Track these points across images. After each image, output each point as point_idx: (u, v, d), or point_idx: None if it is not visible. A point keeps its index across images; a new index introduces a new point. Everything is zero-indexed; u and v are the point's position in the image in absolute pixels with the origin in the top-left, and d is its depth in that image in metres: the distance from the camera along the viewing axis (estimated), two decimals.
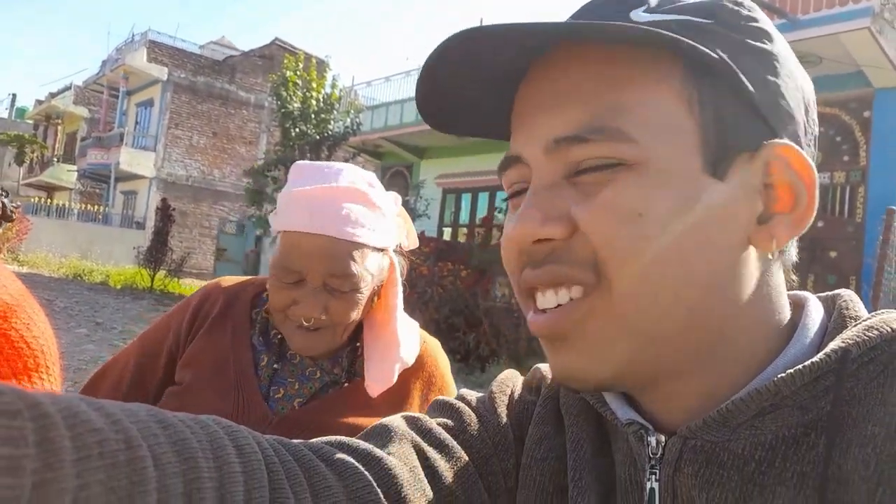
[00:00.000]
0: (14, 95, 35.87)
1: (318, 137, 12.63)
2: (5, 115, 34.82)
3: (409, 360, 1.00)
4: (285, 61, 13.00)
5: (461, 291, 6.63)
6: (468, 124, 0.52)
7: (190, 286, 14.26)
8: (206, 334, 1.07)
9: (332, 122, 12.58)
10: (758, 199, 0.43)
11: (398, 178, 13.90)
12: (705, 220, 0.41)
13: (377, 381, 0.97)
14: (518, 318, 6.49)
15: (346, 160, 13.84)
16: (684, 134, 0.41)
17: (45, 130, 29.54)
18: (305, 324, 0.94)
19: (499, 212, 11.69)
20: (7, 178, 28.42)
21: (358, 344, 1.06)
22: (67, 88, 28.43)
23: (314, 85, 12.48)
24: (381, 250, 0.99)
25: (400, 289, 1.04)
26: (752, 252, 0.43)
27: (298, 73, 12.49)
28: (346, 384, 1.03)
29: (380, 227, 0.96)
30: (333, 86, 12.94)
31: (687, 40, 0.40)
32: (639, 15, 0.43)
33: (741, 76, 0.41)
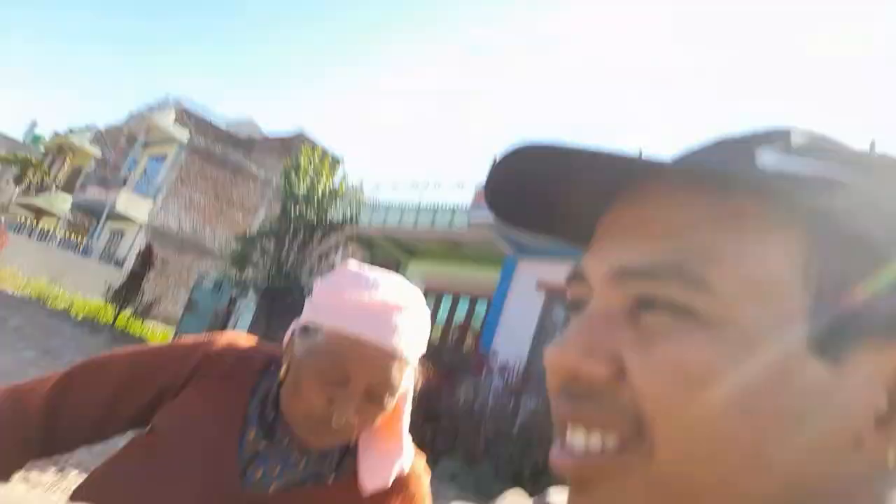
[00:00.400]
0: (34, 122, 36.65)
1: (314, 222, 13.15)
2: (20, 138, 35.34)
3: (406, 468, 0.98)
4: (303, 149, 13.80)
5: (433, 390, 6.85)
6: (555, 228, 0.44)
7: (152, 331, 14.09)
8: (203, 389, 1.01)
9: (332, 210, 13.23)
10: (882, 393, 0.33)
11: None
12: (797, 404, 0.32)
13: (374, 478, 0.96)
14: (478, 421, 6.64)
15: (338, 246, 14.23)
16: (788, 298, 0.33)
17: (53, 160, 29.92)
18: (333, 424, 0.90)
19: (475, 318, 12.00)
20: (1, 193, 28.45)
21: (349, 443, 1.00)
22: (87, 129, 29.34)
23: (324, 175, 13.25)
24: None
25: (411, 396, 1.02)
26: (860, 458, 0.33)
27: (312, 161, 13.28)
28: (329, 481, 0.98)
29: (421, 343, 0.96)
30: (342, 182, 13.73)
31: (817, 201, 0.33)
32: (768, 156, 0.36)
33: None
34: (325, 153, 13.90)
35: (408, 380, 0.94)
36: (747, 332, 0.32)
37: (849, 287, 0.33)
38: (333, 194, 13.32)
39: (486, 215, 10.32)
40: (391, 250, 14.20)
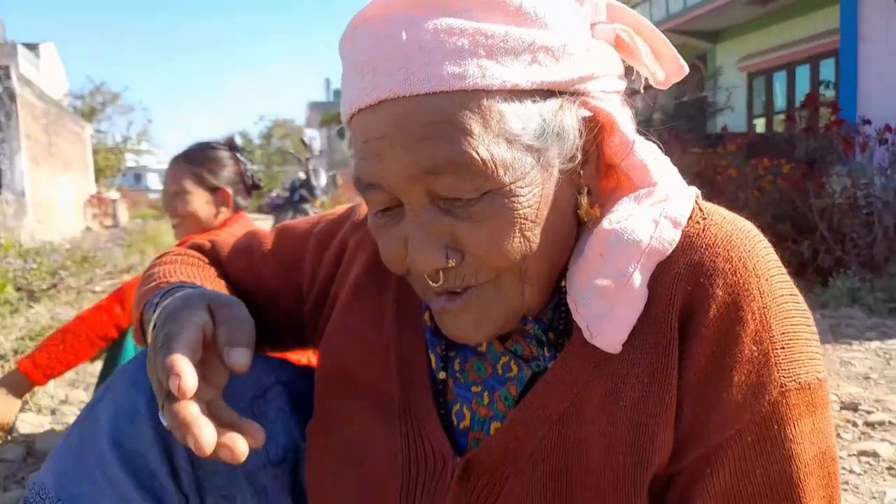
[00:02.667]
0: (328, 80, 41.64)
1: None
2: (325, 98, 40.62)
3: (662, 245, 0.59)
4: None
5: (785, 191, 5.36)
6: None
7: None
8: (351, 301, 0.77)
9: None
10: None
11: (691, 71, 12.30)
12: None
13: (599, 321, 0.59)
14: (869, 215, 5.05)
15: None
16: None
17: None
18: (433, 285, 0.59)
19: (825, 87, 9.50)
20: (336, 153, 33.27)
21: (563, 285, 0.65)
22: None
23: None
24: (547, 95, 0.57)
25: (639, 152, 0.62)
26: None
27: None
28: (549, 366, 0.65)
29: (527, 47, 0.54)
30: None
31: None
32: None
33: None
34: None
35: (533, 131, 0.56)
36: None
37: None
38: None
39: None
40: (690, 45, 12.05)
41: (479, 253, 0.57)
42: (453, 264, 0.57)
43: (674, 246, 0.60)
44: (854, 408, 2.48)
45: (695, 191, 0.66)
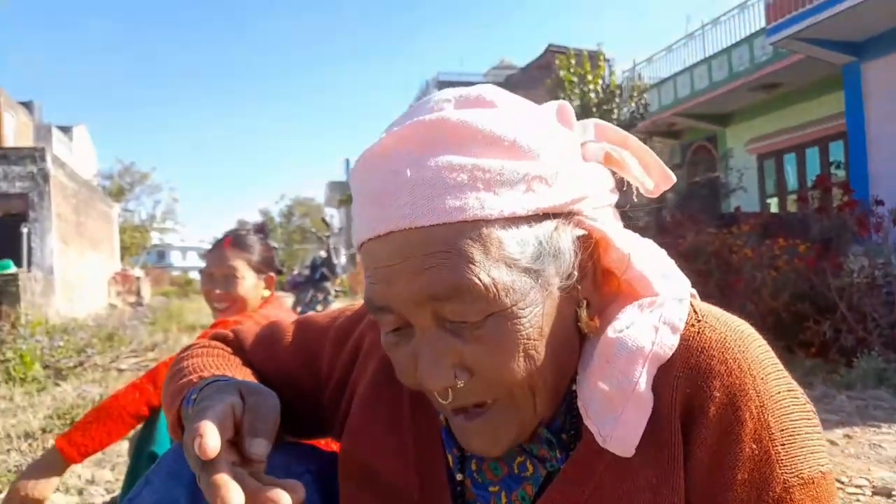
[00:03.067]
0: (347, 160, 42.80)
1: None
2: (343, 177, 41.57)
3: (663, 351, 0.61)
4: (558, 62, 12.74)
5: (802, 271, 5.39)
6: None
7: None
8: (369, 398, 0.78)
9: (615, 110, 11.83)
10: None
11: (701, 153, 12.55)
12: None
13: (610, 425, 0.61)
14: (889, 294, 5.05)
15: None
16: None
17: None
18: (443, 402, 0.61)
19: (835, 167, 9.65)
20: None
21: (573, 388, 0.68)
22: None
23: (590, 77, 11.96)
24: (542, 218, 0.60)
25: (637, 264, 0.64)
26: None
27: (572, 69, 12.12)
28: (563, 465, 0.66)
29: (522, 178, 0.58)
30: (611, 73, 12.26)
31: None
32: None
33: None
34: (579, 53, 12.59)
35: (530, 254, 0.58)
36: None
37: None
38: (610, 91, 11.98)
39: (791, 29, 8.09)
40: (698, 128, 12.38)
41: (487, 372, 0.59)
42: (461, 384, 0.59)
43: (673, 350, 0.62)
44: (888, 493, 2.44)
45: (689, 292, 0.69)
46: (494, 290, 0.56)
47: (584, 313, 0.64)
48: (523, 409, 0.62)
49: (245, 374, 0.83)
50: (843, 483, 2.59)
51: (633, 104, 11.90)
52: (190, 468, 0.76)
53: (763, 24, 9.65)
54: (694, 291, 0.71)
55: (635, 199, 0.73)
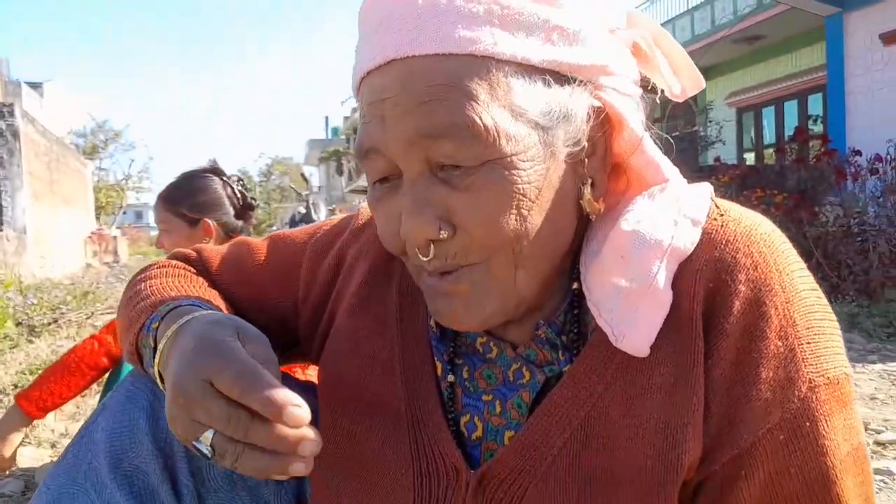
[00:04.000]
0: (327, 118, 42.24)
1: None
2: (323, 135, 41.07)
3: (683, 245, 0.58)
4: None
5: (779, 220, 5.46)
6: None
7: None
8: (352, 314, 0.73)
9: None
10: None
11: (680, 106, 12.52)
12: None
13: (625, 324, 0.57)
14: (864, 242, 5.13)
15: None
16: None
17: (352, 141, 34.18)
18: (423, 260, 0.56)
19: (813, 121, 9.69)
20: (334, 189, 33.53)
21: (576, 287, 0.63)
22: None
23: None
24: (559, 78, 0.55)
25: (648, 149, 0.62)
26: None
27: None
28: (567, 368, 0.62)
29: (542, 23, 0.54)
30: None
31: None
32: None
33: None
34: None
35: (540, 108, 0.54)
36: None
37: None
38: None
39: None
40: None
41: (472, 226, 0.55)
42: (444, 236, 0.55)
43: (695, 244, 0.59)
44: (864, 428, 2.50)
45: (709, 187, 0.65)
46: (495, 133, 0.52)
47: (587, 191, 0.59)
48: (501, 277, 0.57)
49: (211, 297, 0.77)
50: None
51: None
52: (146, 391, 0.72)
53: None
54: (711, 188, 0.67)
55: (658, 101, 0.68)
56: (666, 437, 0.57)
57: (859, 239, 5.19)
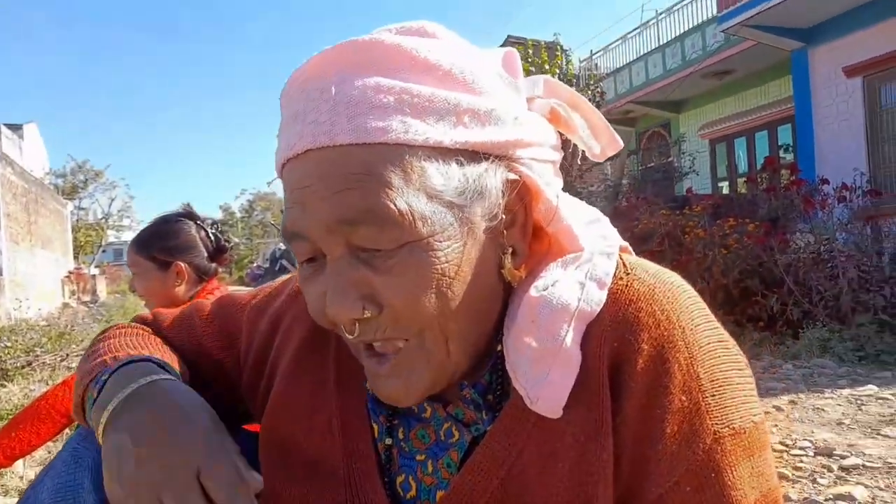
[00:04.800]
0: None
1: None
2: None
3: (590, 307, 0.60)
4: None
5: (751, 248, 5.53)
6: None
7: None
8: (292, 373, 0.75)
9: None
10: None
11: (655, 139, 12.78)
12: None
13: (538, 386, 0.58)
14: (834, 268, 5.23)
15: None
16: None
17: None
18: (350, 338, 0.59)
19: (784, 150, 9.93)
20: None
21: (499, 349, 0.65)
22: None
23: (548, 67, 12.03)
24: (472, 157, 0.57)
25: (565, 216, 0.63)
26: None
27: (530, 59, 12.16)
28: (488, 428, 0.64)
29: (453, 108, 0.56)
30: (568, 63, 12.34)
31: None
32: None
33: None
34: (537, 44, 12.58)
35: (454, 189, 0.56)
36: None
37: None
38: (567, 79, 12.02)
39: (742, 16, 8.27)
40: (653, 115, 12.58)
41: (396, 306, 0.56)
42: (368, 315, 0.56)
43: (601, 306, 0.60)
44: (829, 453, 2.52)
45: (619, 245, 0.67)
46: (410, 217, 0.54)
47: (508, 260, 0.61)
48: (435, 352, 0.59)
49: (164, 354, 0.79)
50: (787, 445, 2.67)
51: (589, 93, 12.00)
52: (92, 451, 0.72)
53: (715, 11, 9.84)
54: (626, 244, 0.70)
55: (579, 163, 0.71)
56: (579, 495, 0.58)
57: (829, 265, 5.29)
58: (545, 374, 0.58)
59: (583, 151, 0.72)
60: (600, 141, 0.70)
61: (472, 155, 0.57)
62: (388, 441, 0.69)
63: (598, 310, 0.60)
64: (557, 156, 0.67)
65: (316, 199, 0.55)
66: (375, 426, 0.70)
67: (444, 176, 0.56)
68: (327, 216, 0.55)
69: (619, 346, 0.59)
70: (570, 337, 0.58)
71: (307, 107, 0.56)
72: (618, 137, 0.71)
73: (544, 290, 0.60)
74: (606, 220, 0.70)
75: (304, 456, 0.72)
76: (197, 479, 0.56)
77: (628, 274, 0.63)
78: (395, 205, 0.53)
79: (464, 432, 0.66)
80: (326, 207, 0.54)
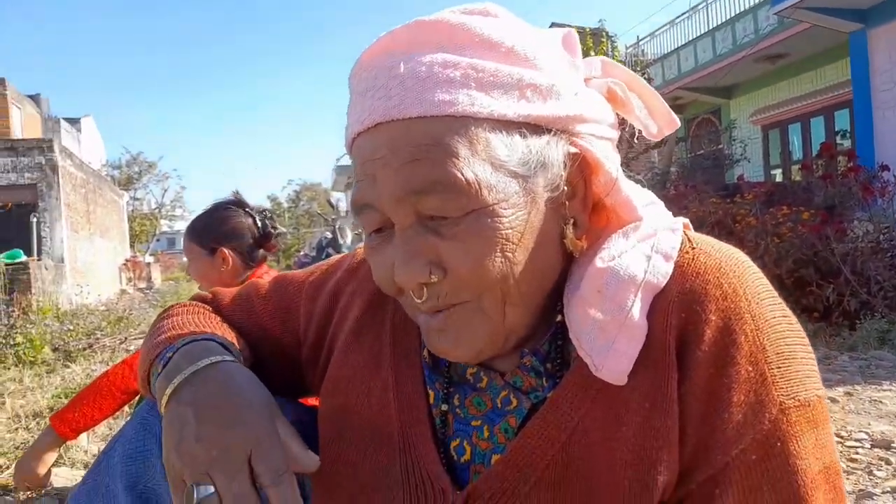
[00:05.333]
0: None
1: None
2: (349, 161, 41.50)
3: (656, 279, 0.61)
4: None
5: (806, 237, 5.36)
6: None
7: None
8: (350, 345, 0.78)
9: None
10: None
11: (704, 126, 12.47)
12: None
13: (603, 354, 0.60)
14: (893, 257, 5.03)
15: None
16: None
17: None
18: (417, 302, 0.60)
19: (841, 137, 9.56)
20: None
21: (559, 319, 0.66)
22: None
23: (593, 54, 11.83)
24: (535, 130, 0.60)
25: (624, 188, 0.65)
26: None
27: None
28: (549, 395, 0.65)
29: (516, 83, 0.58)
30: (614, 49, 12.11)
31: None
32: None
33: None
34: (581, 30, 12.35)
35: (518, 160, 0.59)
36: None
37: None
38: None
39: None
40: (702, 101, 12.27)
41: (461, 270, 0.59)
42: (435, 280, 0.59)
43: (667, 278, 0.62)
44: (886, 446, 2.46)
45: (682, 222, 0.69)
46: (477, 186, 0.56)
47: (570, 230, 0.63)
48: (491, 314, 0.61)
49: (224, 332, 0.83)
50: (842, 437, 2.61)
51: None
52: (160, 421, 0.75)
53: None
54: (687, 221, 0.71)
55: (636, 142, 0.73)
56: (643, 460, 0.60)
57: (889, 255, 5.10)
58: (611, 343, 0.60)
59: (638, 132, 0.73)
60: (657, 121, 0.72)
61: (534, 128, 0.59)
62: (444, 407, 0.71)
63: (665, 282, 0.62)
64: (615, 134, 0.68)
65: (387, 171, 0.57)
66: (431, 393, 0.73)
67: (508, 147, 0.58)
68: (397, 186, 0.57)
69: (686, 316, 0.60)
70: (637, 308, 0.60)
71: (377, 83, 0.58)
72: (675, 116, 0.72)
73: (610, 260, 0.62)
74: (661, 203, 0.71)
75: (361, 423, 0.75)
76: (248, 462, 0.59)
77: (694, 248, 0.65)
78: (463, 174, 0.56)
79: (522, 399, 0.68)
80: (396, 178, 0.57)
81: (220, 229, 2.05)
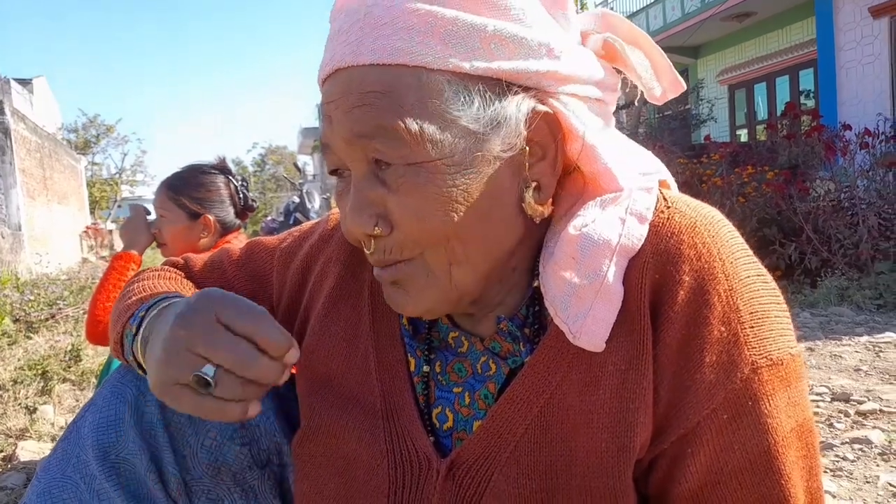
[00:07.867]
0: (318, 105, 41.71)
1: None
2: (316, 123, 40.80)
3: (631, 242, 0.60)
4: None
5: (769, 197, 5.46)
6: None
7: None
8: (327, 312, 0.77)
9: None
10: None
11: None
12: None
13: (580, 321, 0.59)
14: (854, 216, 5.16)
15: None
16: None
17: None
18: (367, 252, 0.61)
19: (805, 96, 9.69)
20: (329, 178, 33.26)
21: (536, 285, 0.65)
22: None
23: None
24: (494, 85, 0.57)
25: (603, 156, 0.62)
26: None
27: None
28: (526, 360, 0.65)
29: (478, 33, 0.55)
30: (583, 6, 12.01)
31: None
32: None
33: None
34: None
35: (473, 115, 0.56)
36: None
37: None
38: None
39: None
40: (671, 62, 12.26)
41: (404, 225, 0.58)
42: (378, 232, 0.59)
43: (643, 241, 0.61)
44: (846, 398, 2.54)
45: (657, 181, 0.67)
46: (419, 138, 0.55)
47: (529, 194, 0.61)
48: (437, 272, 0.61)
49: None
50: None
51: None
52: (131, 388, 0.76)
53: None
54: (666, 178, 0.69)
55: (635, 104, 0.68)
56: (620, 422, 0.60)
57: (849, 213, 5.22)
58: (587, 310, 0.59)
59: (641, 91, 0.69)
60: (662, 82, 0.68)
61: (494, 83, 0.57)
62: (426, 369, 0.71)
63: (640, 244, 0.61)
64: (601, 94, 0.64)
65: (339, 114, 0.58)
66: (412, 360, 0.72)
67: (462, 102, 0.56)
68: (346, 130, 0.57)
69: (660, 277, 0.60)
70: (612, 272, 0.59)
71: (342, 27, 0.58)
72: (680, 79, 0.68)
73: (583, 227, 0.60)
74: (650, 153, 0.69)
75: (343, 391, 0.74)
76: (219, 322, 0.58)
77: (669, 208, 0.64)
78: (405, 124, 0.55)
79: (501, 365, 0.68)
80: (346, 122, 0.57)
81: (203, 193, 1.97)
